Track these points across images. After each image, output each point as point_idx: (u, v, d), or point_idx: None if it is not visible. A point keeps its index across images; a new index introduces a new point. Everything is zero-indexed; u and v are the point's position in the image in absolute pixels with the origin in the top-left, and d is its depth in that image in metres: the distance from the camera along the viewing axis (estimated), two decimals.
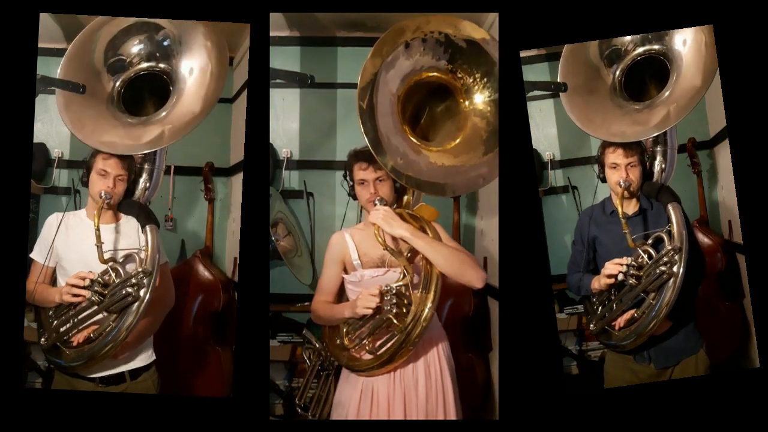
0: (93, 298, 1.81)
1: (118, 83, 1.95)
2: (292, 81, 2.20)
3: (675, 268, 1.84)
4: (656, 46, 1.98)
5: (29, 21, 1.91)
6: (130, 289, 1.79)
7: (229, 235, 2.20)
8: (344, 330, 1.86)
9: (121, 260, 1.85)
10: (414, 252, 1.85)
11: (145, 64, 1.95)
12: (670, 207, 1.90)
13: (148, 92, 1.97)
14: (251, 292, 1.95)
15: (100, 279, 1.82)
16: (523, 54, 1.99)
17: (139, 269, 1.81)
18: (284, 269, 2.22)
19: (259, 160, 1.98)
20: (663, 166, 1.99)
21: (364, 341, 1.82)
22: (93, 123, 1.90)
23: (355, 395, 1.85)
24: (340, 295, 1.95)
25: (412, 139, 1.87)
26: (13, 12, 1.92)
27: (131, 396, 1.89)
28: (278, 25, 2.17)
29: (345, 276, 1.91)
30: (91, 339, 1.82)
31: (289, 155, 2.26)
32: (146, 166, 1.96)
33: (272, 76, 2.04)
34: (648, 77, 2.02)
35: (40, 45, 1.92)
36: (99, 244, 1.81)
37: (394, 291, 1.78)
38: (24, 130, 1.92)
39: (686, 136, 2.10)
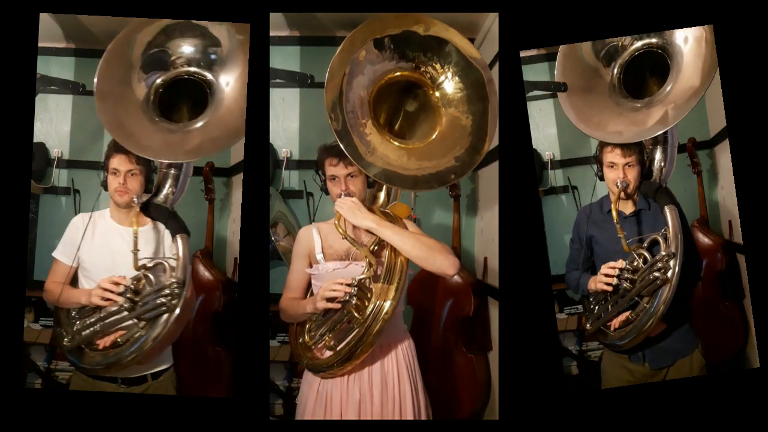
0: (125, 304, 1.80)
1: (159, 80, 1.91)
2: (292, 81, 2.20)
3: (669, 274, 1.84)
4: (654, 40, 1.97)
5: (29, 21, 1.91)
6: (164, 299, 1.78)
7: (229, 235, 2.19)
8: (307, 326, 1.85)
9: (151, 266, 1.84)
10: (380, 246, 1.83)
11: (187, 69, 1.92)
12: (667, 210, 1.89)
13: (183, 98, 1.95)
14: (251, 292, 1.95)
15: (132, 285, 1.81)
16: (523, 54, 1.98)
17: (173, 279, 1.79)
18: (284, 269, 2.20)
19: (259, 160, 1.98)
20: (662, 164, 1.98)
21: (325, 337, 1.80)
22: (132, 125, 1.87)
23: (311, 397, 1.83)
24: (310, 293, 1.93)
25: (383, 133, 1.85)
26: (13, 12, 1.92)
27: (130, 396, 1.89)
28: (278, 25, 2.17)
29: (308, 270, 1.89)
30: (118, 344, 1.81)
31: (289, 155, 2.26)
32: (172, 172, 1.94)
33: (272, 76, 2.04)
34: (648, 73, 2.01)
35: (40, 45, 1.92)
36: (135, 250, 1.81)
37: (355, 283, 1.76)
38: (24, 130, 1.93)
39: (686, 136, 2.10)
